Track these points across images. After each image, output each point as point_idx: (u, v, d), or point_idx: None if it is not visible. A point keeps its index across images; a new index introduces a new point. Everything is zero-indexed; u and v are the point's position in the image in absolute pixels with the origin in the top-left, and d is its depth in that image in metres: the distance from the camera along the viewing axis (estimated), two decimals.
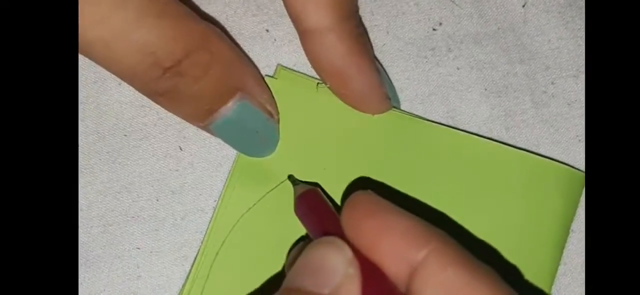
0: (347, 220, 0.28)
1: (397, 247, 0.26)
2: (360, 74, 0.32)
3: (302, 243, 0.31)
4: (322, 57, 0.32)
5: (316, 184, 0.33)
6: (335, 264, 0.27)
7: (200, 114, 0.32)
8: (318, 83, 0.34)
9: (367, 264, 0.27)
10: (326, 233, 0.28)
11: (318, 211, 0.31)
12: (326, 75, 0.33)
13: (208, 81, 0.31)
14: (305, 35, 0.32)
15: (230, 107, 0.32)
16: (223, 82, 0.31)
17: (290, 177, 0.33)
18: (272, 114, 0.33)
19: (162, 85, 0.30)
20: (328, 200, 0.31)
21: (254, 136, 0.33)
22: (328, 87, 0.33)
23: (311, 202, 0.31)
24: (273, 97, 0.34)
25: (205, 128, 0.33)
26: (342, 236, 0.27)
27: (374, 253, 0.27)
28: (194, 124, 0.33)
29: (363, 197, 0.28)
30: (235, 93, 0.31)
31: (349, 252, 0.27)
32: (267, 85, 0.34)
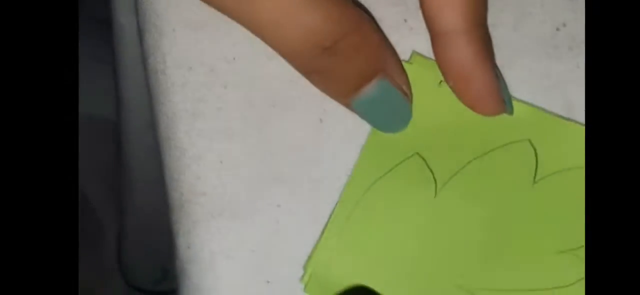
0: None
1: None
2: (483, 76, 0.35)
3: None
4: (452, 58, 0.35)
5: None
6: None
7: (347, 91, 0.35)
8: (441, 81, 0.37)
9: None
10: None
11: None
12: (452, 76, 0.35)
13: (358, 61, 0.34)
14: (438, 37, 0.35)
15: (373, 86, 0.35)
16: (370, 63, 0.35)
17: None
18: (407, 95, 0.36)
19: (319, 64, 0.34)
20: None
21: (390, 114, 0.36)
22: (450, 86, 0.36)
23: None
24: (408, 79, 0.37)
25: (347, 104, 0.36)
26: None
27: None
28: (337, 100, 0.36)
29: None
30: (379, 73, 0.35)
31: None
32: (404, 69, 0.37)
